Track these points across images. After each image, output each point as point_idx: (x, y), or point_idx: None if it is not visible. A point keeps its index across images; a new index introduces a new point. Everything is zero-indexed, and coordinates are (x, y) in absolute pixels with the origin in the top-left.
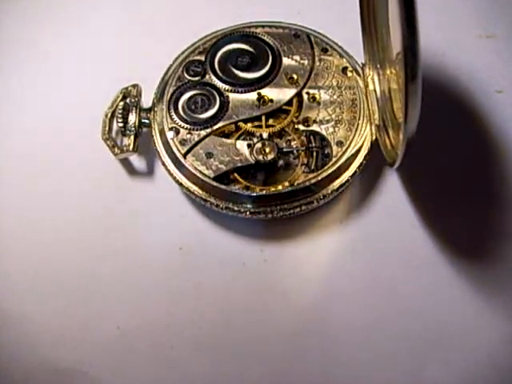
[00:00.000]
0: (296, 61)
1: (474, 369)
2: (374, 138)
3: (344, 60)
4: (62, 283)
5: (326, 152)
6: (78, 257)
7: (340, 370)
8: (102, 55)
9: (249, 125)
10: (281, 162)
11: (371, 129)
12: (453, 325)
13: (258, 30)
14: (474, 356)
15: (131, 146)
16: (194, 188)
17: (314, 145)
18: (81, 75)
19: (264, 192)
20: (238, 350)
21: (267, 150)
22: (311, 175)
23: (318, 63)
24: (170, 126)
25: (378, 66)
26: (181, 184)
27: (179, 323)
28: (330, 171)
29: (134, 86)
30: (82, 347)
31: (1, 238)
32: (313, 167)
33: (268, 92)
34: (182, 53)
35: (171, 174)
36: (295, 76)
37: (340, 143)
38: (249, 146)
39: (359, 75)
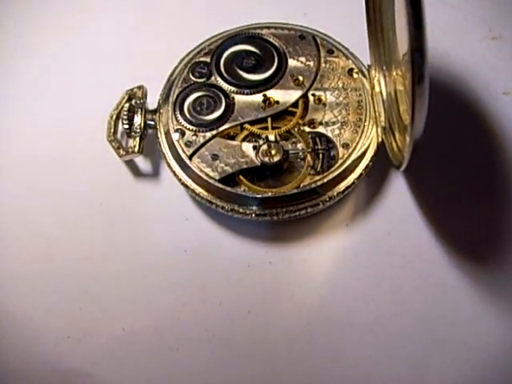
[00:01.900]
0: (302, 62)
1: (478, 370)
2: (380, 140)
3: (350, 61)
4: (67, 284)
5: (331, 154)
6: (83, 258)
7: (345, 371)
8: (108, 56)
9: (254, 127)
10: (286, 164)
11: (377, 131)
12: (458, 326)
13: (264, 32)
14: (478, 358)
15: (136, 148)
16: (199, 190)
17: (319, 147)
18: (86, 76)
19: (269, 194)
20: (243, 351)
21: (273, 151)
22: (317, 177)
23: (323, 65)
24: (175, 128)
25: (384, 67)
26: (186, 186)
27: (184, 325)
28: (335, 173)
29: (140, 87)
30: (87, 348)
31: (3, 238)
32: (319, 169)
33: (274, 94)
34: (188, 54)
35: (176, 176)
36: (301, 78)
37: (346, 145)
38: (254, 147)
39: (365, 77)
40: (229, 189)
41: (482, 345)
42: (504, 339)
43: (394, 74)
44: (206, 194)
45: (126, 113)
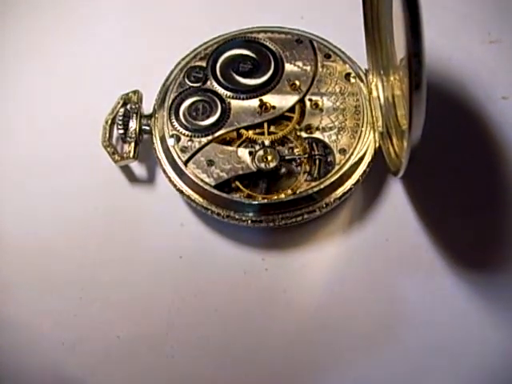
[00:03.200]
0: (298, 67)
1: (477, 379)
2: (377, 145)
3: (347, 66)
4: (62, 291)
5: (328, 160)
6: (78, 264)
7: (342, 379)
8: (103, 61)
9: (250, 132)
10: (283, 170)
11: (375, 136)
12: (456, 334)
13: (260, 36)
14: (477, 365)
15: (131, 153)
16: (194, 196)
17: (316, 152)
18: (81, 81)
19: (266, 200)
20: (238, 358)
21: (269, 157)
22: (314, 183)
23: (320, 69)
24: (170, 133)
25: (382, 72)
26: (181, 192)
27: (179, 332)
28: (332, 179)
29: (135, 92)
30: (82, 355)
31: (0, 242)
32: (315, 175)
33: (270, 98)
34: (184, 58)
35: (172, 182)
36: (298, 82)
37: (343, 151)
38: (250, 153)
39: (362, 81)
40: (224, 195)
41: (481, 353)
42: (503, 347)
43: (392, 78)
44: (201, 200)
45: (121, 118)
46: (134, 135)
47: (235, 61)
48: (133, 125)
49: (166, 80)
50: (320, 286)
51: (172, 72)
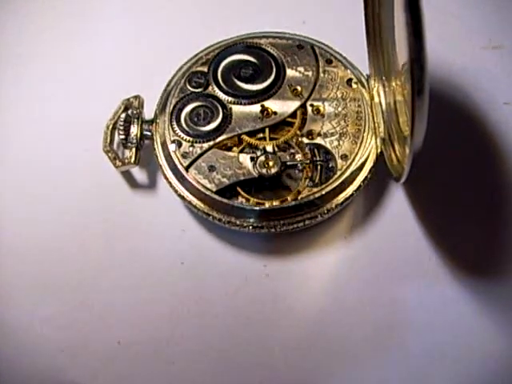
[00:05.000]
0: (300, 72)
1: None
2: (379, 151)
3: (349, 71)
4: (62, 296)
5: (330, 165)
6: (78, 269)
7: None
8: (104, 66)
9: (252, 138)
10: (284, 176)
11: (376, 142)
12: (458, 339)
13: (262, 41)
14: (478, 372)
15: (133, 159)
16: (196, 202)
17: (318, 158)
18: (82, 86)
19: (267, 206)
20: (239, 365)
21: (271, 163)
22: (315, 189)
23: (322, 75)
24: (172, 139)
25: (384, 77)
26: (183, 197)
27: (180, 338)
28: (334, 185)
29: (136, 97)
30: (83, 361)
31: (1, 247)
32: (317, 181)
33: (271, 104)
34: (185, 64)
35: (173, 187)
36: (299, 88)
37: (344, 156)
38: (252, 159)
39: (364, 87)
40: (226, 201)
41: (482, 357)
42: (504, 351)
43: (394, 84)
44: (202, 205)
45: (122, 123)
46: (135, 140)
47: (237, 66)
48: (134, 130)
49: (168, 85)
50: (321, 291)
51: (173, 77)
